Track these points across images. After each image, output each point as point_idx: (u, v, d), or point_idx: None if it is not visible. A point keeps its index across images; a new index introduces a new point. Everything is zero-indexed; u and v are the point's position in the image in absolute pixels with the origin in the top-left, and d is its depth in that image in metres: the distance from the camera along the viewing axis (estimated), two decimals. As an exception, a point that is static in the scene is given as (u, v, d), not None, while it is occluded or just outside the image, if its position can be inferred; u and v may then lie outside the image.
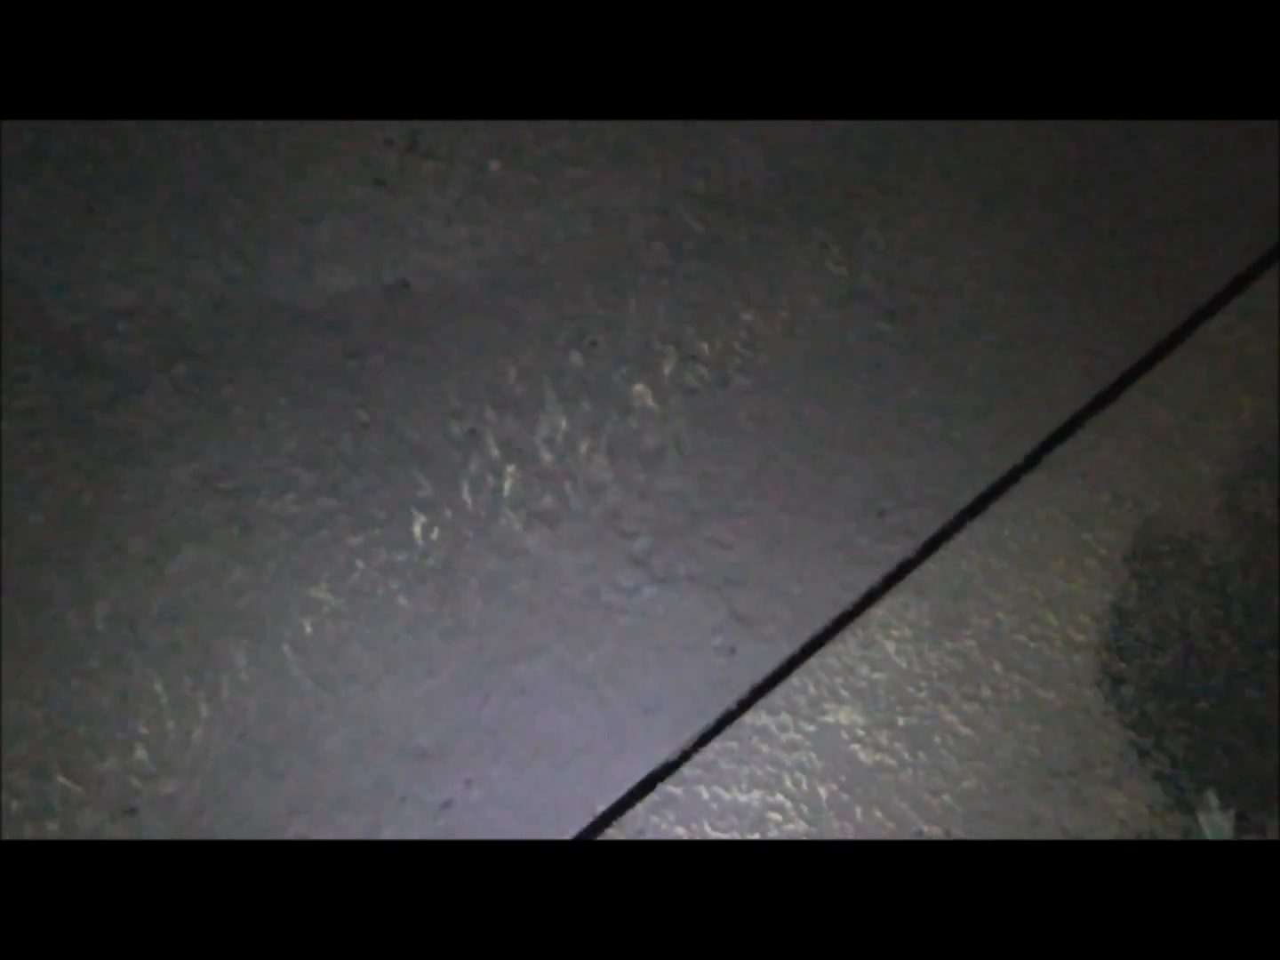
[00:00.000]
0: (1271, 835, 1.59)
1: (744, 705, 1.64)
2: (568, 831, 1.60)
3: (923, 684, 1.66)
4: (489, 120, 1.77)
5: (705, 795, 1.62)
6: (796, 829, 1.61)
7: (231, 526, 1.65)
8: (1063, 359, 1.76)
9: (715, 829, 1.61)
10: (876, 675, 1.65)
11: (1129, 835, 1.61)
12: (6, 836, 1.55)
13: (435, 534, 1.66)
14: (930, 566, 1.68)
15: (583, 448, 1.69)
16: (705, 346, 1.73)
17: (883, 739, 1.64)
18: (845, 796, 1.62)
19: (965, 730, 1.64)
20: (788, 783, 1.62)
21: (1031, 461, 1.72)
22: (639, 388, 1.72)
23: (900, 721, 1.64)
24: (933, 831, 1.62)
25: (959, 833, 1.62)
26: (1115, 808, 1.63)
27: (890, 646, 1.66)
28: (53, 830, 1.55)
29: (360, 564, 1.65)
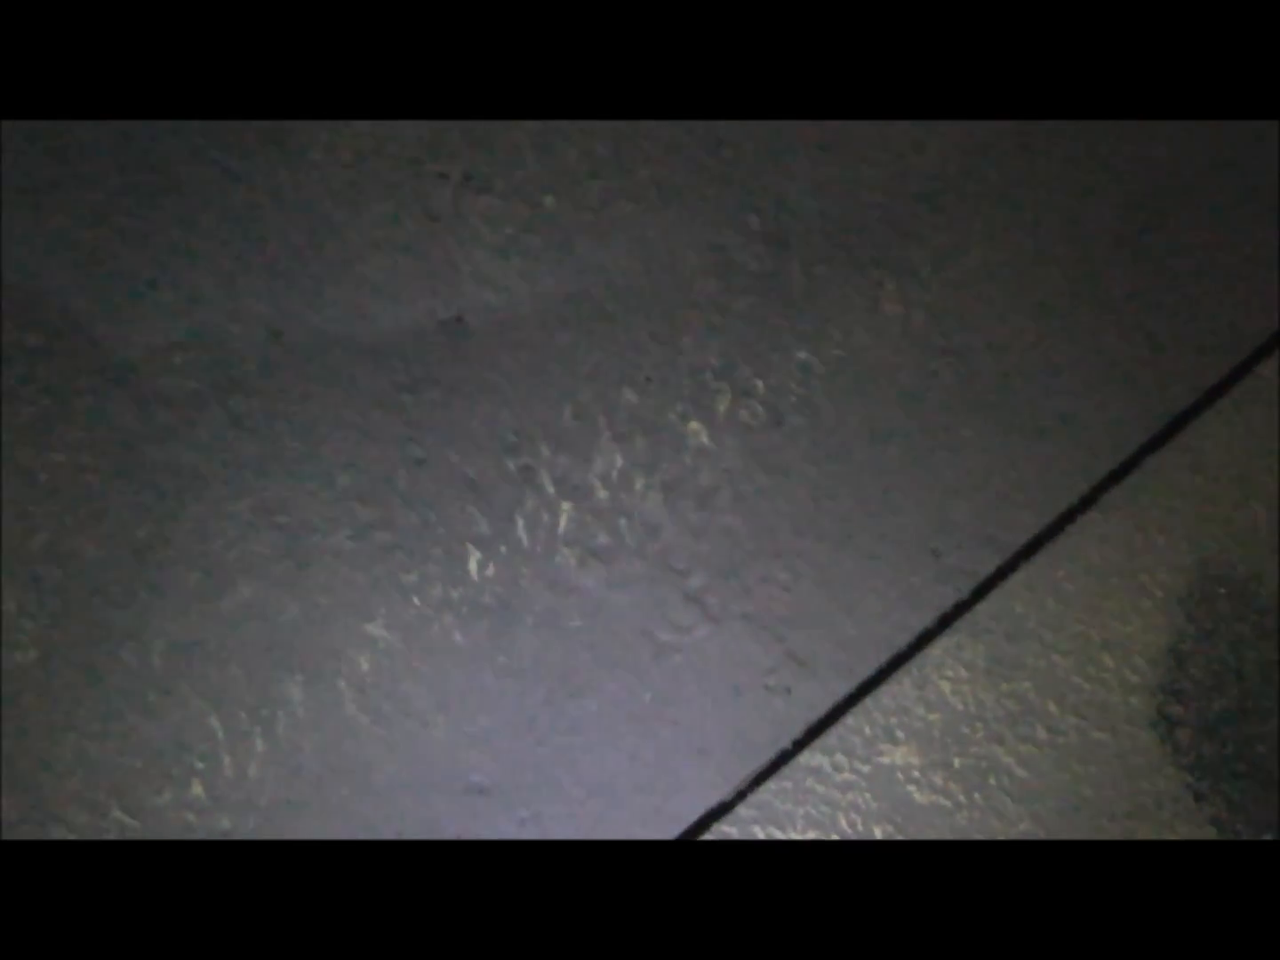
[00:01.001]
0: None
1: (799, 745, 1.65)
2: (623, 870, 1.61)
3: (978, 725, 1.66)
4: (539, 148, 1.77)
5: (760, 835, 1.62)
6: (851, 869, 1.61)
7: (287, 561, 1.65)
8: (1117, 400, 1.76)
9: (769, 868, 1.61)
10: (932, 716, 1.66)
11: (1184, 877, 1.61)
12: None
13: (490, 570, 1.67)
14: (985, 607, 1.68)
15: (637, 485, 1.70)
16: (760, 384, 1.74)
17: (938, 780, 1.64)
18: (900, 837, 1.63)
19: (1021, 772, 1.64)
20: (842, 823, 1.63)
21: (1086, 503, 1.72)
22: (693, 425, 1.72)
23: (955, 763, 1.65)
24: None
25: (1013, 874, 1.61)
26: (1171, 851, 1.63)
27: (945, 687, 1.66)
28: (109, 864, 1.55)
29: (416, 600, 1.65)
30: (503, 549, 1.67)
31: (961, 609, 1.69)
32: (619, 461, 1.70)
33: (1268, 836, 1.62)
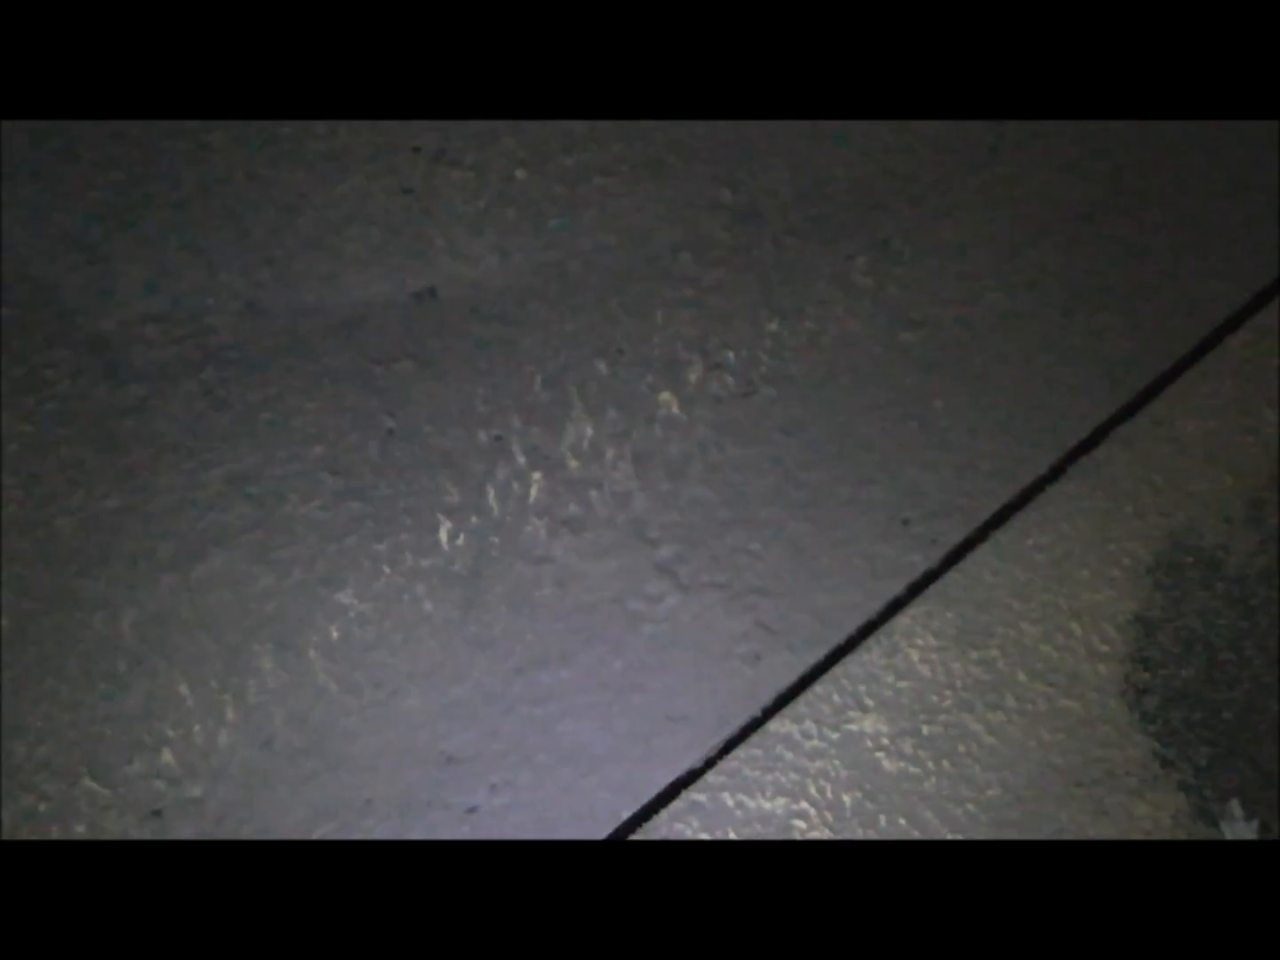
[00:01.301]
0: (1295, 845, 1.60)
1: (768, 713, 1.65)
2: (592, 838, 1.61)
3: (947, 693, 1.66)
4: (512, 123, 1.78)
5: (730, 803, 1.62)
6: (820, 836, 1.62)
7: (258, 531, 1.65)
8: (1087, 370, 1.77)
9: (739, 836, 1.61)
10: (901, 684, 1.66)
11: (1152, 845, 1.62)
12: (34, 838, 1.56)
13: (461, 540, 1.67)
14: (955, 576, 1.69)
15: (609, 456, 1.70)
16: (731, 356, 1.74)
17: (907, 747, 1.64)
18: (869, 805, 1.63)
19: (989, 739, 1.65)
20: (812, 790, 1.63)
21: (1056, 472, 1.73)
22: (665, 396, 1.73)
23: (924, 730, 1.65)
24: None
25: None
26: (1139, 817, 1.63)
27: (915, 655, 1.67)
28: (79, 832, 1.56)
29: (386, 570, 1.66)
30: (473, 519, 1.68)
31: (931, 578, 1.69)
32: (590, 432, 1.71)
33: (1234, 801, 1.63)
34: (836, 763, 1.64)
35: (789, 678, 1.66)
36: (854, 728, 1.65)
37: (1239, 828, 1.62)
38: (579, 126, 1.78)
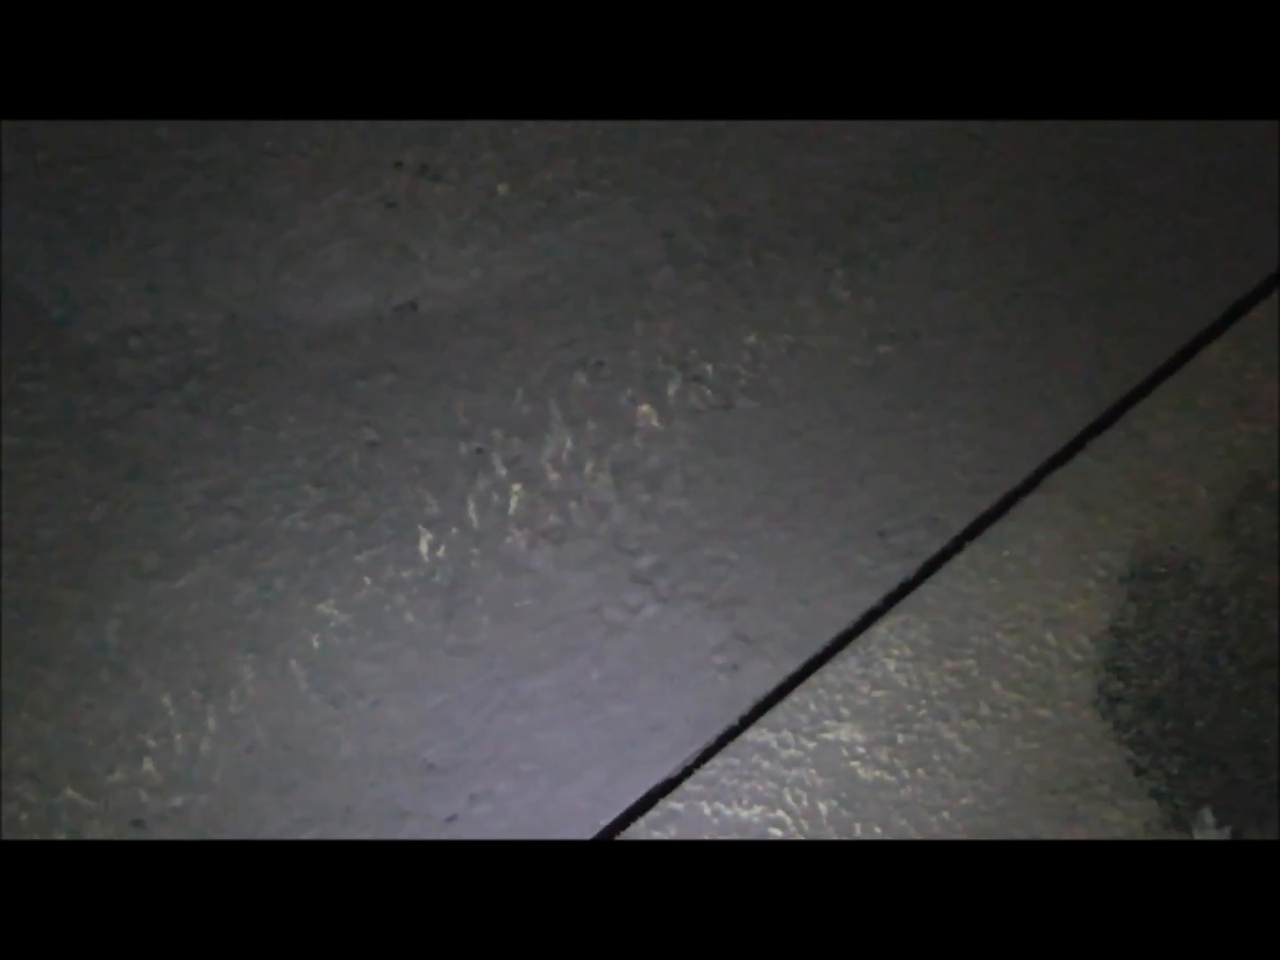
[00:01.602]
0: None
1: (746, 722, 1.66)
2: (571, 846, 1.62)
3: (922, 702, 1.67)
4: (494, 137, 1.79)
5: (707, 811, 1.63)
6: (797, 845, 1.63)
7: (240, 542, 1.66)
8: (1062, 383, 1.78)
9: (717, 845, 1.62)
10: (877, 693, 1.67)
11: (1125, 853, 1.62)
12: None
13: (442, 551, 1.68)
14: (930, 587, 1.70)
15: (588, 467, 1.71)
16: (710, 369, 1.76)
17: (882, 756, 1.66)
18: (845, 813, 1.64)
19: (964, 748, 1.66)
20: (788, 799, 1.64)
21: (1031, 484, 1.74)
22: (644, 409, 1.74)
23: (900, 739, 1.66)
24: (932, 848, 1.63)
25: (958, 850, 1.63)
26: (1112, 825, 1.64)
27: (890, 665, 1.68)
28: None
29: (368, 580, 1.67)
30: (454, 530, 1.69)
31: (907, 588, 1.70)
32: (570, 444, 1.72)
33: (1206, 809, 1.64)
34: (813, 771, 1.65)
35: (766, 687, 1.67)
36: (830, 736, 1.66)
37: (1211, 835, 1.63)
38: (561, 141, 1.80)
